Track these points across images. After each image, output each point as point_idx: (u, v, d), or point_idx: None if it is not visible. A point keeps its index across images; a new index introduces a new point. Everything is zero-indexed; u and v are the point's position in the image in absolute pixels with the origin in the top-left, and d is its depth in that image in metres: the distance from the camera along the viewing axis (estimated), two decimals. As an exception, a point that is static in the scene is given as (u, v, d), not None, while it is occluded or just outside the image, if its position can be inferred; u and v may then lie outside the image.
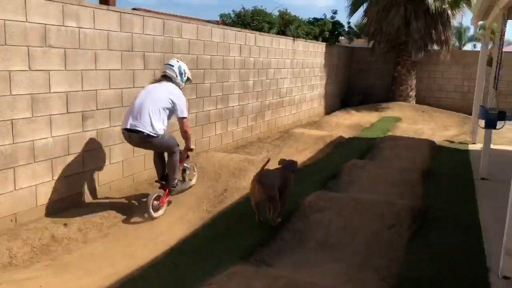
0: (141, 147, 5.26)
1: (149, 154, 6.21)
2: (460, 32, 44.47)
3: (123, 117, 5.32)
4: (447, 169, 7.69)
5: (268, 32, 10.42)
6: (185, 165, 5.85)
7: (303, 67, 12.55)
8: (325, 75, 14.56)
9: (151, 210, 5.25)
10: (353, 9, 16.78)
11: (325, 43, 14.16)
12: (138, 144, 5.20)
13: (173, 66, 5.43)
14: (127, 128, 5.11)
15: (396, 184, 6.68)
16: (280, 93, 11.17)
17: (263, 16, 10.38)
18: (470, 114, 12.38)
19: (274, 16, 11.04)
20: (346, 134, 11.01)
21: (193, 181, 6.11)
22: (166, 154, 5.49)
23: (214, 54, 8.03)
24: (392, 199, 5.80)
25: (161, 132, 5.14)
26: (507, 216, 3.77)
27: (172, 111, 5.23)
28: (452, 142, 10.55)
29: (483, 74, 10.19)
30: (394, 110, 15.13)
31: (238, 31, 8.92)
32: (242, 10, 10.18)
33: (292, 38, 11.56)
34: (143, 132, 5.06)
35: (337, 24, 15.10)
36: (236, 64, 8.84)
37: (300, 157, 8.68)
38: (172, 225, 5.20)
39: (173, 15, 7.60)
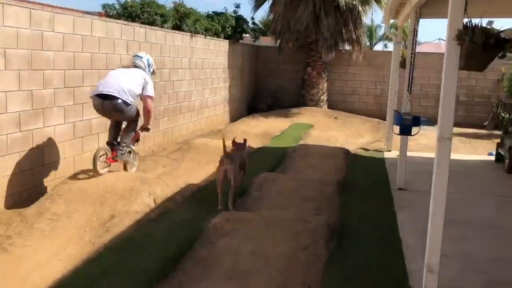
0: (108, 114, 6.59)
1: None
2: (371, 31, 47.46)
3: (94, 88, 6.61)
4: (364, 179, 8.05)
5: (162, 27, 10.26)
6: (132, 146, 7.01)
7: (204, 67, 12.53)
8: (229, 76, 14.67)
9: (98, 164, 6.46)
10: (257, 4, 17.15)
11: (227, 41, 14.27)
12: (109, 110, 6.46)
13: (142, 57, 7.00)
14: (101, 95, 6.33)
15: (311, 197, 6.83)
16: (177, 98, 11.03)
17: (154, 8, 10.19)
18: (385, 119, 13.18)
19: (168, 9, 10.90)
20: (255, 144, 11.11)
21: (133, 170, 7.20)
22: (123, 124, 6.78)
23: (95, 51, 7.70)
24: (307, 216, 5.92)
25: (131, 101, 6.50)
26: (428, 230, 4.00)
27: (142, 88, 6.69)
28: (367, 150, 11.11)
29: (396, 76, 10.89)
30: (305, 116, 15.64)
31: (125, 24, 8.67)
32: (129, 1, 9.91)
33: (189, 33, 11.49)
34: (118, 99, 6.35)
35: (240, 20, 15.30)
36: (123, 63, 8.58)
37: (203, 172, 8.58)
38: (45, 262, 4.78)
39: (43, 4, 7.15)
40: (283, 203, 6.62)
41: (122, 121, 6.83)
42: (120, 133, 6.88)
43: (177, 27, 11.15)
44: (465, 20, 3.77)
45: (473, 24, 3.69)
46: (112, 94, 6.41)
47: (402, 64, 9.78)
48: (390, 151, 10.81)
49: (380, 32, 52.29)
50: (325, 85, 17.16)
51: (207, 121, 13.12)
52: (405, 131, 6.69)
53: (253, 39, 16.66)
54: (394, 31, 11.30)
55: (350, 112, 16.81)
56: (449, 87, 3.90)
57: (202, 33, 12.28)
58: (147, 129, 7.06)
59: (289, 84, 17.66)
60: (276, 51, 17.13)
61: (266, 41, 20.18)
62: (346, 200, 6.83)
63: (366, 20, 16.81)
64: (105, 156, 6.71)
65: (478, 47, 3.58)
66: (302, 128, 13.81)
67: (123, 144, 6.81)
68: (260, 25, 23.45)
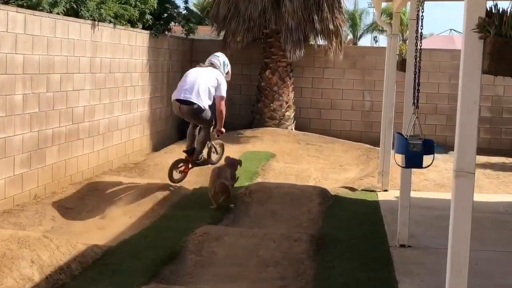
0: (187, 117, 10.25)
1: None
2: (354, 19, 48.68)
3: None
4: (350, 233, 8.09)
5: (50, 12, 10.17)
6: (212, 143, 10.65)
7: (112, 71, 12.46)
8: (151, 85, 14.61)
9: (174, 174, 10.27)
10: (192, -21, 17.36)
11: (148, 32, 14.24)
12: (186, 115, 10.09)
13: (218, 56, 10.50)
14: (180, 99, 9.87)
15: (273, 262, 6.80)
16: (73, 116, 10.90)
17: (39, -16, 10.12)
18: (377, 145, 13.36)
19: (59, -14, 10.84)
20: (191, 183, 11.05)
21: (215, 159, 10.91)
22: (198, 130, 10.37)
23: None
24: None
25: (207, 106, 9.89)
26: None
27: (215, 89, 9.99)
28: (353, 189, 11.20)
29: (393, 82, 11.12)
30: (264, 140, 15.70)
31: (-6, 8, 8.58)
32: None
33: (91, 21, 11.42)
34: (194, 104, 9.75)
35: (166, 3, 15.32)
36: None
37: (114, 227, 8.45)
38: None
39: None
40: (233, 273, 6.56)
41: (199, 125, 10.27)
42: (196, 140, 10.36)
43: (74, 13, 11.07)
44: (490, 3, 3.88)
45: (501, 9, 3.78)
46: (190, 99, 9.76)
47: (401, 66, 9.97)
48: (386, 190, 10.94)
49: (368, 20, 53.76)
50: (291, 95, 17.35)
51: (118, 151, 12.98)
52: (414, 162, 6.72)
53: (186, 31, 16.69)
54: (388, 19, 11.57)
55: (328, 134, 17.02)
56: (468, 98, 3.98)
57: (110, 21, 12.21)
58: (221, 132, 10.29)
59: (239, 95, 17.76)
60: (219, 46, 17.21)
61: (204, 32, 20.29)
62: (325, 265, 6.82)
63: (347, 3, 17.21)
64: (182, 167, 10.38)
65: (508, 42, 3.67)
66: (260, 158, 13.83)
67: (199, 153, 10.34)
68: (196, 10, 23.57)
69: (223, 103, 10.22)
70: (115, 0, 13.02)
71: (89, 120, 11.54)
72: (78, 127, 11.13)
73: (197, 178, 11.46)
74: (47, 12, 10.07)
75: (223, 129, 10.34)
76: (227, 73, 10.56)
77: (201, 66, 10.44)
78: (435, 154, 6.61)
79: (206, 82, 9.92)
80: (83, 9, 11.19)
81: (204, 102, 9.84)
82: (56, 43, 10.22)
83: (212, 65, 10.32)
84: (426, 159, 6.47)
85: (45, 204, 9.23)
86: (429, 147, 6.50)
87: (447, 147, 15.36)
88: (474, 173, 4.06)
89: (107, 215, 9.08)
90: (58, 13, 10.37)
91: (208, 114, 10.02)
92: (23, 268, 6.03)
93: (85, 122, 11.38)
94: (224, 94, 10.18)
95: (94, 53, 11.60)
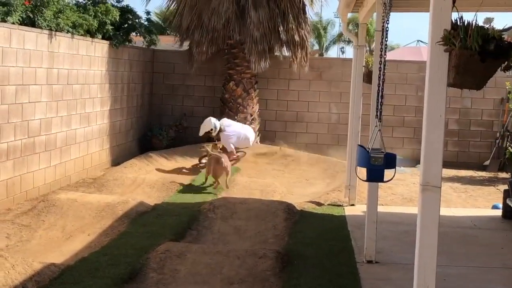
0: None
1: None
2: (318, 29, 49.02)
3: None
4: (316, 249, 8.13)
5: (4, 21, 10.09)
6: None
7: (70, 83, 12.39)
8: (110, 96, 14.56)
9: None
10: (153, -12, 17.37)
11: (108, 43, 14.20)
12: None
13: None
14: None
15: (238, 280, 6.80)
16: (28, 130, 10.81)
17: (-7, -7, 10.04)
18: (343, 158, 13.45)
19: (14, -6, 10.76)
20: (152, 199, 11.02)
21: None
22: None
23: None
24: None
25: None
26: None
27: None
28: (320, 204, 11.26)
29: (359, 95, 11.22)
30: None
31: None
32: None
33: (48, 31, 11.35)
34: None
35: (128, 13, 15.28)
36: None
37: (71, 245, 8.38)
38: None
39: None
40: (196, 290, 6.54)
41: None
42: None
43: (30, 22, 10.99)
44: (455, 15, 3.96)
45: (466, 22, 3.86)
46: None
47: (367, 78, 10.08)
48: (353, 205, 11.02)
49: (334, 31, 54.17)
50: (256, 108, 17.39)
51: (76, 165, 12.89)
52: (375, 176, 6.81)
53: (147, 42, 16.65)
54: (354, 30, 11.68)
55: (293, 147, 17.08)
56: (433, 111, 4.05)
57: (68, 31, 12.15)
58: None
59: (202, 107, 17.75)
60: (182, 57, 17.22)
61: (166, 42, 20.26)
62: (292, 283, 6.84)
63: (313, 14, 17.33)
64: None
65: (473, 55, 3.75)
66: (223, 173, 13.84)
67: None
68: (158, 20, 23.52)
69: None
70: (74, 10, 12.97)
71: (45, 134, 11.44)
72: (34, 141, 11.03)
73: (158, 194, 11.44)
74: (1, 21, 9.98)
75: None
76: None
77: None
78: (402, 168, 6.69)
79: None
80: (40, 18, 11.11)
81: None
82: (11, 54, 10.13)
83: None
84: (389, 173, 6.55)
85: (-1, 221, 9.12)
86: (391, 161, 6.58)
87: (414, 160, 15.54)
88: (440, 187, 4.12)
89: (65, 232, 9.00)
90: (13, 23, 10.29)
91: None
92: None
93: (41, 135, 11.29)
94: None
95: (51, 64, 11.52)
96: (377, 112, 7.01)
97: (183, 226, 9.18)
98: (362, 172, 7.28)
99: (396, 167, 6.72)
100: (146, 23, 16.66)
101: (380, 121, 6.93)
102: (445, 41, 3.90)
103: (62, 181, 12.18)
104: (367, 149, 6.63)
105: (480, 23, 3.85)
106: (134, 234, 8.59)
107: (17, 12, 10.44)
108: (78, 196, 10.41)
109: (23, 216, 9.51)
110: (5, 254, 6.97)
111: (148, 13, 17.18)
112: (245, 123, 17.05)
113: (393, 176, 6.60)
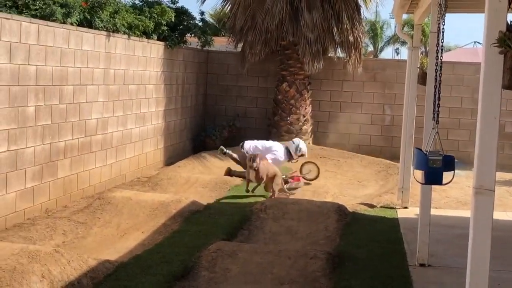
0: None
1: None
2: (374, 30, 48.69)
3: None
4: (367, 251, 8.09)
5: (63, 22, 10.27)
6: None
7: (126, 83, 12.56)
8: (165, 97, 14.72)
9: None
10: (208, -11, 17.48)
11: (163, 44, 14.36)
12: None
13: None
14: None
15: (289, 280, 6.80)
16: (85, 129, 10.99)
17: (52, -6, 10.23)
18: (397, 160, 13.35)
19: (73, -4, 10.96)
20: (204, 198, 11.10)
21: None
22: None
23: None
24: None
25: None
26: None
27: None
28: (372, 206, 11.20)
29: (414, 96, 11.13)
30: (279, 155, 15.74)
31: (6, 18, 8.67)
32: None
33: (105, 32, 11.53)
34: None
35: (183, 14, 15.43)
36: (1, 77, 8.52)
37: (126, 242, 8.49)
38: None
39: None
40: (247, 290, 6.57)
41: None
42: None
43: (87, 23, 11.18)
44: (510, 17, 3.91)
45: (522, 24, 3.82)
46: None
47: (422, 79, 10.00)
48: (406, 208, 10.94)
49: (389, 32, 53.72)
50: (309, 109, 17.39)
51: (131, 164, 13.06)
52: (434, 179, 6.72)
53: (202, 43, 16.77)
54: (409, 31, 11.60)
55: (346, 149, 17.03)
56: (488, 114, 4.01)
57: (124, 32, 12.32)
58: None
59: (255, 108, 17.82)
60: (236, 59, 17.31)
61: (220, 43, 20.40)
62: (342, 284, 6.82)
63: (368, 14, 17.29)
64: None
65: (528, 57, 3.70)
66: (275, 174, 13.87)
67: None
68: (212, 21, 23.67)
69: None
70: (130, 11, 13.14)
71: (102, 133, 11.61)
72: (90, 140, 11.20)
73: (211, 193, 11.51)
74: (60, 22, 10.17)
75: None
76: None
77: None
78: (456, 171, 6.60)
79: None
80: (96, 19, 11.29)
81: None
82: (69, 54, 10.31)
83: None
84: (447, 176, 6.47)
85: (56, 218, 9.27)
86: (450, 163, 6.49)
87: (470, 163, 15.25)
88: (494, 190, 4.08)
89: (119, 230, 9.12)
90: (71, 24, 10.47)
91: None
92: (33, 283, 6.07)
93: (98, 134, 11.45)
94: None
95: (108, 64, 11.69)
96: (433, 114, 6.92)
97: (235, 226, 9.22)
98: (419, 174, 7.23)
99: (455, 170, 6.64)
100: (200, 24, 16.77)
101: (437, 123, 6.86)
102: (500, 43, 3.85)
103: (117, 180, 12.34)
104: (425, 152, 6.57)
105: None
106: (186, 233, 8.66)
107: (75, 13, 10.62)
108: (132, 194, 10.53)
109: (79, 213, 9.66)
110: (61, 250, 7.11)
111: (202, 13, 17.35)
112: (298, 124, 17.08)
113: (452, 178, 6.51)
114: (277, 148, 12.71)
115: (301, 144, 12.94)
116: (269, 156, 12.18)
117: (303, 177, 13.13)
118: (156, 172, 13.74)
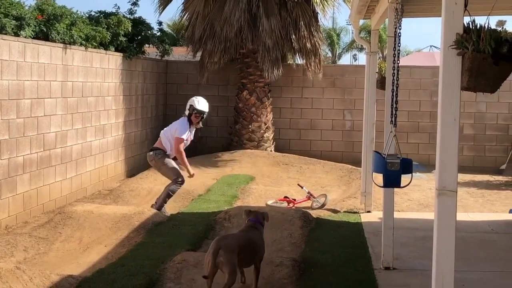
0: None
1: None
2: (331, 37, 49.01)
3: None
4: (332, 257, 8.10)
5: (17, 35, 10.15)
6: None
7: (85, 96, 12.45)
8: (125, 108, 14.63)
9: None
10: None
11: (121, 55, 14.28)
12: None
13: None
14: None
15: (255, 289, 6.82)
16: (44, 143, 10.86)
17: (6, 7, 10.09)
18: (358, 165, 13.43)
19: (27, 8, 10.82)
20: (167, 209, 11.04)
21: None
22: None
23: None
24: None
25: (161, 153, 10.78)
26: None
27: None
28: (336, 211, 11.24)
29: (373, 101, 11.21)
30: (242, 163, 15.72)
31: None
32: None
33: (62, 45, 11.42)
34: (151, 151, 10.95)
35: (140, 24, 15.34)
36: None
37: (88, 256, 8.39)
38: None
39: None
40: (213, 299, 6.54)
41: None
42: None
43: (43, 36, 11.06)
44: (467, 19, 3.95)
45: (478, 26, 3.86)
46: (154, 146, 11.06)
47: (381, 84, 10.07)
48: (369, 212, 10.99)
49: (347, 38, 54.16)
50: (270, 116, 17.41)
51: (92, 177, 12.94)
52: (392, 182, 6.80)
53: (161, 53, 16.73)
54: (367, 36, 11.69)
55: (308, 155, 17.07)
56: (447, 115, 4.04)
57: (82, 44, 12.22)
58: (190, 175, 10.79)
59: (216, 117, 17.79)
60: (195, 68, 17.27)
61: (179, 53, 20.35)
62: (308, 290, 6.84)
63: (325, 21, 17.38)
64: None
65: (486, 58, 3.74)
66: (239, 181, 13.85)
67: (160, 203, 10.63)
68: (170, 31, 23.61)
69: (176, 142, 10.63)
70: (86, 22, 13.04)
71: (61, 146, 11.49)
72: (50, 154, 11.08)
73: (174, 204, 11.45)
74: (14, 35, 10.05)
75: (190, 171, 10.74)
76: (195, 111, 10.89)
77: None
78: (417, 173, 6.67)
79: (169, 128, 10.96)
80: (53, 31, 11.18)
81: (163, 148, 10.76)
82: (25, 68, 10.18)
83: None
84: (405, 179, 6.55)
85: (16, 234, 9.13)
86: (407, 166, 6.59)
87: (430, 166, 15.49)
88: (456, 191, 4.11)
89: (82, 244, 9.02)
90: (27, 37, 10.36)
91: (164, 166, 10.70)
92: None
93: (57, 148, 11.33)
94: (178, 135, 10.65)
95: (65, 77, 11.58)
96: (391, 118, 7.02)
97: (199, 236, 9.19)
98: (378, 178, 7.27)
99: (412, 173, 6.73)
100: (158, 33, 16.71)
101: (395, 127, 6.94)
102: (457, 45, 3.90)
103: (78, 193, 12.21)
104: (383, 155, 6.64)
105: (493, 26, 3.85)
106: (150, 245, 8.60)
107: (30, 26, 10.51)
108: (94, 207, 10.44)
109: (40, 228, 9.54)
110: (23, 267, 7.01)
111: (160, 23, 17.23)
112: (259, 132, 17.09)
113: (410, 181, 6.59)
114: (177, 124, 11.02)
115: (194, 100, 11.06)
116: (174, 136, 10.73)
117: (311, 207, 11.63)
118: (117, 185, 13.64)
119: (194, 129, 11.08)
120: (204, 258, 6.41)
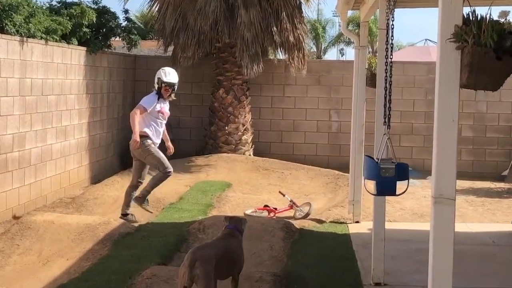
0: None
1: None
2: (316, 30, 49.12)
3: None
4: (317, 271, 8.09)
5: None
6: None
7: (45, 94, 12.39)
8: (89, 107, 14.57)
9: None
10: (133, -13, 17.39)
11: (84, 49, 14.23)
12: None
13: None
14: None
15: (233, 307, 6.78)
16: (0, 146, 10.79)
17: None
18: (346, 170, 13.42)
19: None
20: (135, 218, 10.99)
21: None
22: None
23: None
24: None
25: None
26: None
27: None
28: (321, 221, 11.22)
29: (362, 100, 11.21)
30: (218, 168, 15.68)
31: None
32: None
33: (19, 38, 11.35)
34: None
35: (105, 14, 15.28)
36: None
37: (49, 270, 8.32)
38: None
39: None
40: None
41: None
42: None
43: (-3, 27, 11.01)
44: (466, 10, 3.95)
45: (479, 17, 3.86)
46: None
47: (371, 81, 10.08)
48: (358, 222, 10.98)
49: (333, 31, 54.28)
50: (249, 117, 17.39)
51: (53, 184, 12.86)
52: (387, 189, 6.75)
53: (128, 44, 16.68)
54: (356, 29, 11.70)
55: (290, 160, 17.04)
56: (445, 116, 4.04)
57: (41, 37, 12.15)
58: (135, 142, 10.70)
59: (189, 118, 17.76)
60: (167, 63, 17.15)
61: (149, 47, 20.29)
62: (291, 308, 6.82)
63: (309, 12, 17.38)
64: None
65: (488, 52, 3.74)
66: (214, 189, 13.82)
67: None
68: (139, 23, 23.56)
69: (136, 110, 10.88)
70: (47, 14, 12.96)
71: (19, 150, 11.41)
72: (6, 158, 11.00)
73: (143, 213, 11.40)
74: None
75: (133, 137, 10.72)
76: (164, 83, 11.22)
77: None
78: (411, 180, 6.64)
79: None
80: (8, 23, 11.09)
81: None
82: (-22, 62, 10.14)
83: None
84: (400, 186, 6.52)
85: (-33, 247, 9.08)
86: (403, 171, 6.54)
87: (425, 172, 15.50)
88: (455, 200, 4.10)
89: (42, 257, 8.95)
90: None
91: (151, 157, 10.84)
92: None
93: (14, 151, 11.25)
94: (140, 103, 11.04)
95: (23, 73, 11.49)
96: (384, 118, 6.97)
97: (171, 248, 9.14)
98: (370, 185, 7.26)
99: (409, 180, 6.68)
100: (125, 23, 16.63)
101: (389, 128, 6.90)
102: (456, 38, 3.89)
103: (37, 202, 12.12)
104: (376, 160, 6.61)
105: (495, 17, 3.85)
106: (117, 258, 8.55)
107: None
108: (55, 217, 10.34)
109: (-6, 241, 9.47)
110: (-26, 283, 6.95)
111: (126, 12, 17.10)
112: (237, 134, 17.05)
113: (406, 189, 6.56)
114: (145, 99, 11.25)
115: (161, 72, 11.46)
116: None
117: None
118: (81, 192, 13.56)
119: (167, 102, 11.34)
120: (179, 271, 6.24)
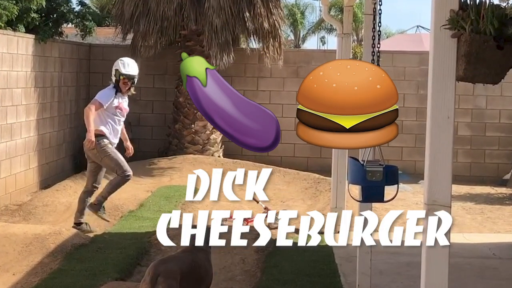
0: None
1: None
2: (294, 15, 49.28)
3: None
4: (295, 287, 8.13)
5: None
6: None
7: (-13, 88, 12.30)
8: (38, 103, 14.52)
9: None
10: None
11: (33, 37, 14.16)
12: None
13: None
14: None
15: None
16: None
17: None
18: (328, 174, 13.44)
19: None
20: (90, 227, 10.95)
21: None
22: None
23: None
24: None
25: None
26: None
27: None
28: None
29: (347, 95, 11.24)
30: (183, 172, 15.64)
31: None
32: None
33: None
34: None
35: (56, -1, 15.25)
36: None
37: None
38: None
39: None
40: None
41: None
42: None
43: None
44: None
45: (478, 1, 3.85)
46: None
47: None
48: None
49: (313, 16, 54.42)
50: (219, 114, 17.35)
51: (-4, 189, 12.77)
52: (373, 195, 6.73)
53: (81, 32, 16.59)
54: (338, 15, 11.71)
55: (265, 162, 17.05)
56: (439, 112, 4.04)
57: (-17, 23, 12.09)
58: (89, 141, 10.59)
59: (151, 114, 17.73)
60: (125, 53, 17.12)
61: (105, 35, 20.21)
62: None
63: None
64: None
65: (487, 41, 3.74)
66: (179, 195, 13.78)
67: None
68: (94, 8, 23.48)
69: (90, 106, 10.75)
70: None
71: (-45, 150, 11.34)
72: None
73: (98, 222, 11.36)
74: None
75: (92, 138, 10.58)
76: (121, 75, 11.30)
77: None
78: (401, 184, 6.66)
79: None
80: None
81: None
82: None
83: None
84: (389, 191, 6.53)
85: None
86: (392, 175, 6.54)
87: (416, 175, 15.56)
88: (451, 207, 4.11)
89: (-18, 273, 8.90)
90: None
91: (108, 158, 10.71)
92: None
93: (-50, 152, 11.18)
94: (95, 98, 10.99)
95: (-39, 63, 11.43)
96: (371, 115, 6.98)
97: (130, 262, 9.12)
98: (355, 190, 7.26)
99: (399, 184, 6.69)
100: (78, 7, 16.55)
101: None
102: (452, 25, 3.89)
103: (-23, 210, 12.05)
104: (361, 162, 6.61)
105: (496, 1, 3.86)
106: (69, 273, 8.51)
107: None
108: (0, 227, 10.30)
109: None
110: None
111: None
112: (205, 133, 17.04)
113: (396, 194, 6.55)
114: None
115: (119, 63, 11.64)
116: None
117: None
118: (29, 198, 13.51)
119: (126, 96, 11.30)
120: (139, 287, 6.24)
